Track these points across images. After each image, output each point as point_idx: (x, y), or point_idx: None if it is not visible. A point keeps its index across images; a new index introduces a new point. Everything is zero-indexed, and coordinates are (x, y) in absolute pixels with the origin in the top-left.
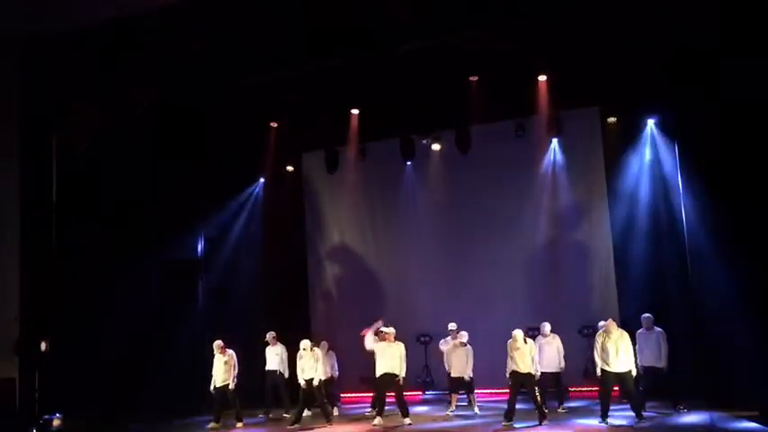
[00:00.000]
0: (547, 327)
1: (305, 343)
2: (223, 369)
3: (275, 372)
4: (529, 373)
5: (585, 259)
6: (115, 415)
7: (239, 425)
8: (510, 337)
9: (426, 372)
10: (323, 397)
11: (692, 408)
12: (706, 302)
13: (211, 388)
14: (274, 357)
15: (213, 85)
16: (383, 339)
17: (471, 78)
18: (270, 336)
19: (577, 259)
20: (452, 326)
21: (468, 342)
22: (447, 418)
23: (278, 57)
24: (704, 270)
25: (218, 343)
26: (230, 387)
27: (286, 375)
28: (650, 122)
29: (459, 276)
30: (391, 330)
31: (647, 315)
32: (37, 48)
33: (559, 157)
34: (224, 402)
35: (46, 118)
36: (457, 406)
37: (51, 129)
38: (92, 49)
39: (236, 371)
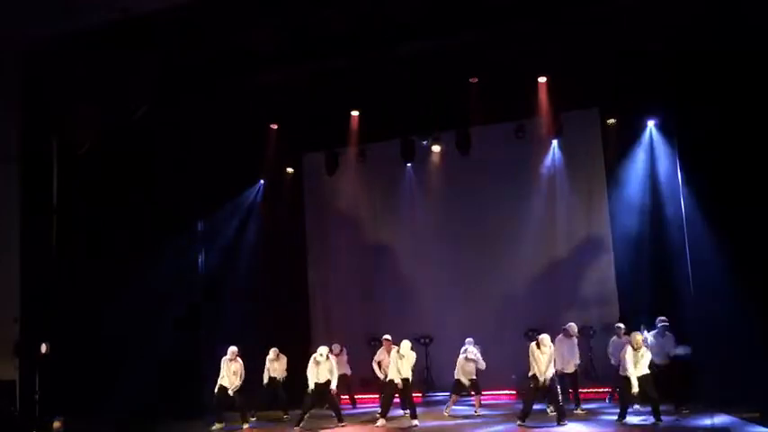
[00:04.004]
0: (574, 327)
1: (323, 349)
2: (232, 376)
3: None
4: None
5: (586, 260)
6: (115, 417)
7: (245, 426)
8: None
9: (427, 372)
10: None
11: (695, 410)
12: (707, 303)
13: (216, 389)
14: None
15: (213, 86)
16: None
17: (471, 79)
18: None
19: (578, 260)
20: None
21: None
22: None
23: (278, 57)
24: (705, 271)
25: (233, 349)
26: (234, 391)
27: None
28: (650, 123)
29: (459, 277)
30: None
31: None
32: (37, 48)
33: (559, 158)
34: (228, 403)
35: (46, 119)
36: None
37: (52, 130)
38: (92, 49)
39: (242, 380)
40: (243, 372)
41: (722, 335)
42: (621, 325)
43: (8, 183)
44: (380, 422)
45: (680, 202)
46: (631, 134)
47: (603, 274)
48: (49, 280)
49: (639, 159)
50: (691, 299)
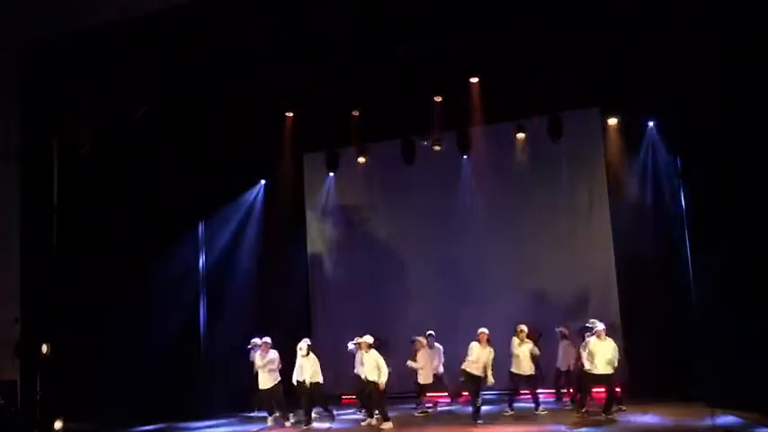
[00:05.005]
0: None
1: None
2: (267, 371)
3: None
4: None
5: (586, 259)
6: (116, 418)
7: (287, 424)
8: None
9: None
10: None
11: (696, 410)
12: (707, 303)
13: (261, 387)
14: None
15: (213, 87)
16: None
17: (472, 80)
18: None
19: (578, 259)
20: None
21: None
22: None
23: (278, 57)
24: (705, 270)
25: (266, 340)
26: (276, 388)
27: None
28: (650, 123)
29: (459, 277)
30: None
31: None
32: (37, 48)
33: (559, 158)
34: (271, 403)
35: (46, 119)
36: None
37: (52, 130)
38: (92, 49)
39: (280, 367)
40: (279, 363)
41: (722, 335)
42: (564, 329)
43: (8, 183)
44: (369, 422)
45: (680, 202)
46: (631, 134)
47: (604, 273)
48: (49, 280)
49: (639, 159)
50: (691, 298)
